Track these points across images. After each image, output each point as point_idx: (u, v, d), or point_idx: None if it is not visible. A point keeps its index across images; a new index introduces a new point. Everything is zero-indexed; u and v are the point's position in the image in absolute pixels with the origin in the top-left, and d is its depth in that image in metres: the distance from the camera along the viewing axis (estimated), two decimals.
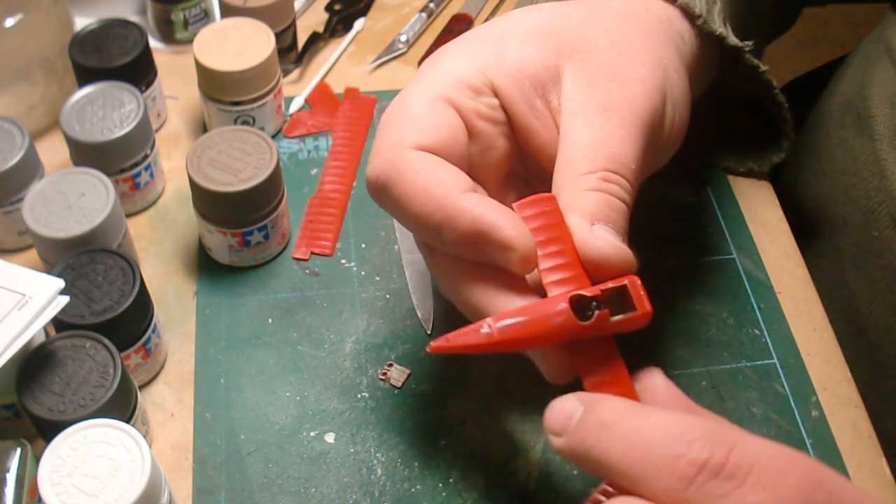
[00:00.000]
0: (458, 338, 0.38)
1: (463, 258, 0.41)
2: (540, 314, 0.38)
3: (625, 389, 0.37)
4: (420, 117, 0.41)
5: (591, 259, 0.38)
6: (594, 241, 0.38)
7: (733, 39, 0.49)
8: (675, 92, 0.44)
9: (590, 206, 0.39)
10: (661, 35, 0.45)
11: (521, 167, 0.46)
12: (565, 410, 0.34)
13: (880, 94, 0.58)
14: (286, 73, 0.66)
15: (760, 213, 0.59)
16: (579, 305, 0.38)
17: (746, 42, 0.49)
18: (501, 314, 0.38)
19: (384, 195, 0.41)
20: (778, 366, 0.53)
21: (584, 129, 0.41)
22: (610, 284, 0.38)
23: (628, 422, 0.32)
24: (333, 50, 0.68)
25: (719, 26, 0.48)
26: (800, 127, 0.64)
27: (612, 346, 0.39)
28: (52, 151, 0.60)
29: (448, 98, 0.42)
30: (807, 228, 0.61)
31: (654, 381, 0.37)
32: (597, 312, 0.37)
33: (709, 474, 0.29)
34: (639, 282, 0.38)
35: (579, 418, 0.34)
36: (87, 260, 0.48)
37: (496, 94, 0.43)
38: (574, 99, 0.42)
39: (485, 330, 0.37)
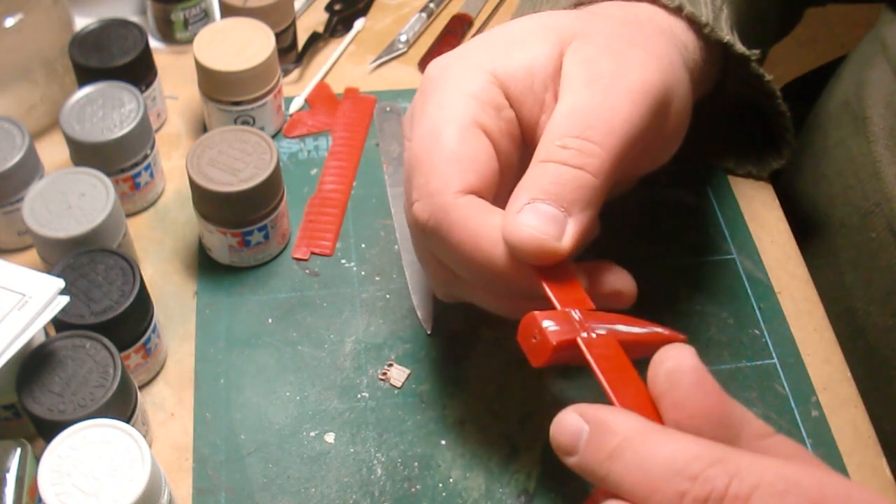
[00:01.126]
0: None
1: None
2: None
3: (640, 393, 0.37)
4: (460, 154, 0.41)
5: (509, 244, 0.40)
6: (511, 227, 0.39)
7: (740, 47, 0.49)
8: (679, 86, 0.44)
9: (533, 181, 0.40)
10: (665, 40, 0.45)
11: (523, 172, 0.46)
12: (571, 428, 0.35)
13: (876, 94, 0.58)
14: (286, 73, 0.66)
15: (760, 213, 0.59)
16: None
17: (753, 51, 0.49)
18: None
19: (432, 237, 0.43)
20: (778, 366, 0.53)
21: (563, 103, 0.41)
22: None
23: (634, 454, 0.33)
24: (333, 50, 0.68)
25: (727, 34, 0.48)
26: (799, 127, 0.64)
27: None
28: (52, 151, 0.60)
29: (478, 122, 0.42)
30: (805, 229, 0.61)
31: (684, 362, 0.36)
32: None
33: None
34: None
35: (587, 442, 0.34)
36: (87, 260, 0.48)
37: (509, 101, 0.43)
38: (567, 77, 0.42)
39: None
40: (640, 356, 0.41)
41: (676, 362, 0.35)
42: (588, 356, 0.38)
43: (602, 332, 0.40)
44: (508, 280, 0.41)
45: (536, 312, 0.39)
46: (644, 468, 0.32)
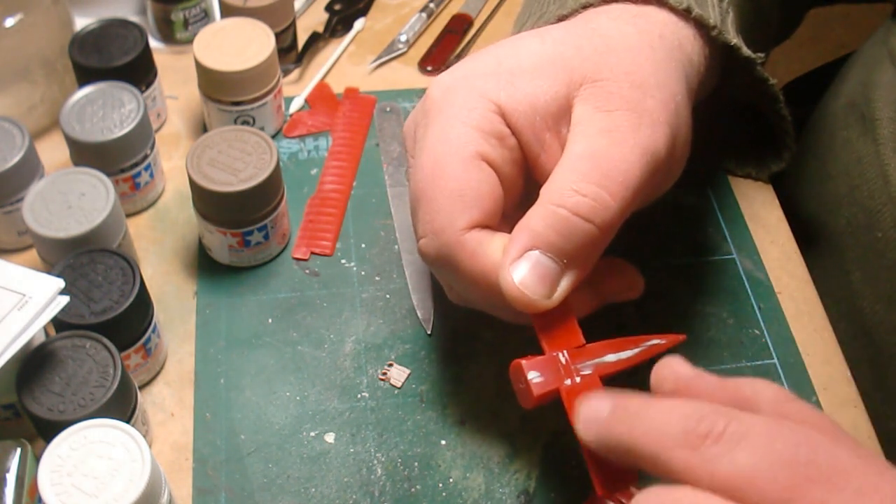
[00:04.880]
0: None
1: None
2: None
3: None
4: (463, 190, 0.42)
5: (505, 294, 0.41)
6: (503, 278, 0.41)
7: (746, 51, 0.48)
8: (681, 128, 0.44)
9: (539, 226, 0.40)
10: (673, 66, 0.45)
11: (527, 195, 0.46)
12: (597, 407, 0.37)
13: (884, 97, 0.57)
14: (286, 73, 0.66)
15: (760, 213, 0.59)
16: None
17: (759, 54, 0.49)
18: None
19: (441, 270, 0.44)
20: (778, 366, 0.53)
21: (578, 144, 0.41)
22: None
23: (650, 410, 0.35)
24: (333, 50, 0.68)
25: (734, 37, 0.48)
26: (801, 128, 0.63)
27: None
28: (52, 151, 0.60)
29: (480, 153, 0.42)
30: (810, 229, 0.61)
31: (681, 367, 0.38)
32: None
33: (711, 441, 0.33)
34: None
35: (610, 411, 0.36)
36: (87, 260, 0.48)
37: (510, 130, 0.43)
38: (581, 122, 0.42)
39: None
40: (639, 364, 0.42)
41: (673, 369, 0.38)
42: (568, 407, 0.40)
43: (588, 371, 0.41)
44: (515, 311, 0.42)
45: (523, 362, 0.41)
46: (658, 420, 0.34)
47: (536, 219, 0.41)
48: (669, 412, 0.34)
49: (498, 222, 0.43)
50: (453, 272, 0.43)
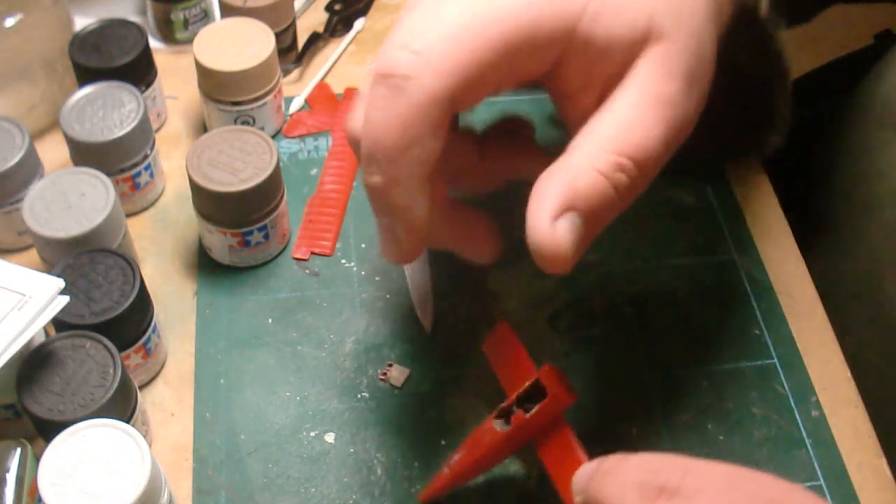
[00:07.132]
0: (434, 485, 0.46)
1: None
2: (475, 441, 0.44)
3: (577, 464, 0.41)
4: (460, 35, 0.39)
5: (540, 251, 0.39)
6: (548, 234, 0.38)
7: (772, 16, 0.48)
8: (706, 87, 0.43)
9: (583, 189, 0.39)
10: (717, 12, 0.43)
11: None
12: (585, 468, 0.39)
13: None
14: (286, 73, 0.66)
15: (760, 213, 0.59)
16: (507, 414, 0.43)
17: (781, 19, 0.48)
18: (454, 454, 0.45)
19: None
20: (778, 366, 0.53)
21: (634, 108, 0.39)
22: (525, 384, 0.42)
23: (619, 466, 0.37)
24: (333, 50, 0.68)
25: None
26: (803, 128, 0.63)
27: (565, 428, 0.42)
28: (52, 151, 0.60)
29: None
30: (839, 232, 0.60)
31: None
32: (512, 417, 0.42)
33: (666, 495, 0.34)
34: (550, 370, 0.41)
35: (593, 470, 0.38)
36: (87, 260, 0.48)
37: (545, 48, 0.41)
38: (642, 84, 0.40)
39: (444, 471, 0.45)
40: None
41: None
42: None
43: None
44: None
45: None
46: (624, 474, 0.36)
47: (582, 179, 0.39)
48: (635, 466, 0.36)
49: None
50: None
